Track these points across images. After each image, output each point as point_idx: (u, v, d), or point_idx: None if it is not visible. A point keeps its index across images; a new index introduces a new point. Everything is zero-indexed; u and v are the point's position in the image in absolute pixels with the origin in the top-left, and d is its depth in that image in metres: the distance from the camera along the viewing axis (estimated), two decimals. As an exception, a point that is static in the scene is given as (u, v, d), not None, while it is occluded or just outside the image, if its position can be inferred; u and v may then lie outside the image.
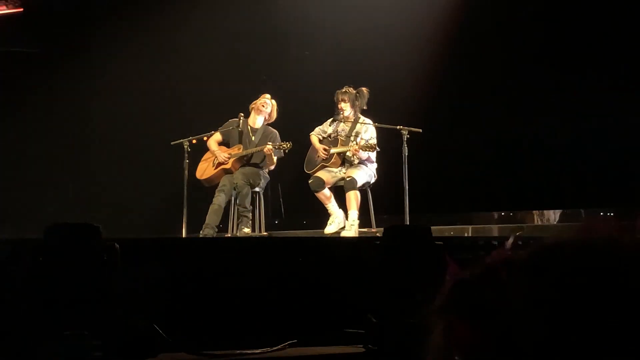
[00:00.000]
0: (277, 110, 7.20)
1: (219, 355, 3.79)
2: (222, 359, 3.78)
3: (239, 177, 6.81)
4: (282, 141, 6.94)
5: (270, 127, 7.16)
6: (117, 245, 3.68)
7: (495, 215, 8.02)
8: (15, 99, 9.29)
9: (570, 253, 0.66)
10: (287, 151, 6.88)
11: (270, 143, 6.81)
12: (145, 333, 3.77)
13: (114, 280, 3.73)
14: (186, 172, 6.86)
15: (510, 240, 0.72)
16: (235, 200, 6.91)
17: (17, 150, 9.23)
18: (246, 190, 6.76)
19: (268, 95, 7.20)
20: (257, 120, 7.12)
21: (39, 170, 9.19)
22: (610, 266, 0.64)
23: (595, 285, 0.63)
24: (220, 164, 6.99)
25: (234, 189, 6.86)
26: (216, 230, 6.80)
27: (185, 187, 6.82)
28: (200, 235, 6.60)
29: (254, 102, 7.18)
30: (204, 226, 6.70)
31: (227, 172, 6.97)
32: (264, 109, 7.10)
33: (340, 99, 6.82)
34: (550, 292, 0.64)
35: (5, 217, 8.65)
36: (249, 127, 7.10)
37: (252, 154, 6.95)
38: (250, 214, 6.83)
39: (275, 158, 6.90)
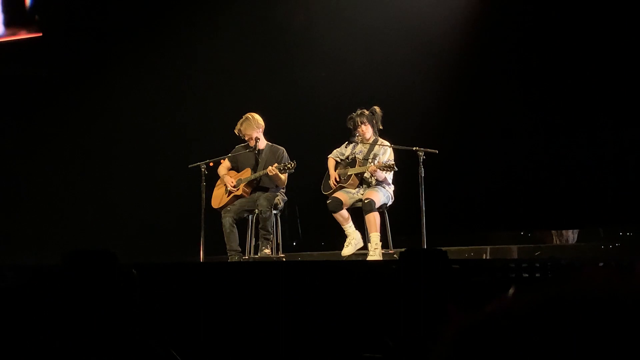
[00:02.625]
0: (255, 119, 6.99)
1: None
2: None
3: (263, 202, 6.80)
4: (289, 159, 6.92)
5: (276, 146, 7.12)
6: (135, 271, 3.69)
7: (514, 235, 7.97)
8: (33, 124, 9.38)
9: (569, 309, 0.66)
10: (293, 170, 6.83)
11: (276, 164, 6.79)
12: (162, 358, 3.77)
13: (131, 306, 3.73)
14: (203, 195, 6.88)
15: (512, 290, 0.72)
16: (255, 222, 6.94)
17: (34, 177, 9.31)
18: (269, 214, 6.76)
19: (241, 130, 7.02)
20: (258, 142, 7.08)
21: (57, 196, 9.26)
22: (610, 325, 0.64)
23: (593, 345, 0.63)
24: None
25: (253, 212, 6.91)
26: (240, 250, 6.83)
27: (203, 210, 6.84)
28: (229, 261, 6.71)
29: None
30: (228, 254, 6.80)
31: (239, 197, 6.98)
32: (252, 140, 7.02)
33: (359, 122, 6.79)
34: (550, 348, 0.64)
35: (24, 244, 8.71)
36: (257, 149, 7.06)
37: (260, 177, 6.94)
38: (272, 236, 6.84)
39: (284, 177, 6.88)
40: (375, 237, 6.50)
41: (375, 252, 6.46)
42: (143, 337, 3.73)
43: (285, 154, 7.05)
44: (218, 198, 7.10)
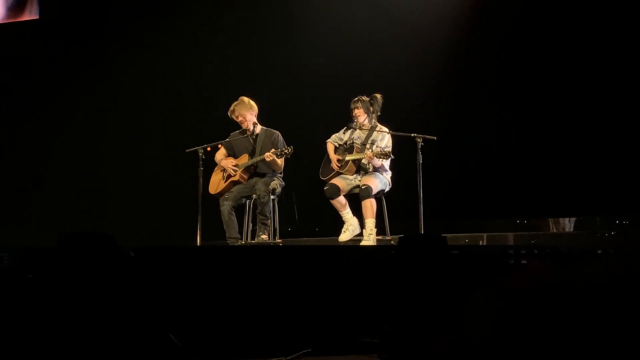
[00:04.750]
0: (250, 102, 7.03)
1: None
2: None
3: (261, 187, 6.79)
4: (285, 144, 6.92)
5: (271, 130, 7.11)
6: (132, 253, 3.69)
7: (510, 222, 7.97)
8: (30, 108, 9.36)
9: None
10: (290, 155, 6.82)
11: (273, 150, 6.79)
12: (159, 341, 3.77)
13: (128, 288, 3.73)
14: (200, 179, 6.86)
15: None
16: (252, 207, 6.93)
17: (33, 160, 9.30)
18: (267, 199, 6.76)
19: (235, 111, 7.02)
20: (255, 127, 7.09)
21: (55, 179, 9.25)
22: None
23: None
24: (230, 176, 7.00)
25: (250, 197, 6.90)
26: (239, 237, 6.83)
27: (200, 195, 6.83)
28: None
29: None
30: (228, 241, 6.79)
31: (236, 183, 6.98)
32: (245, 121, 7.03)
33: (354, 107, 6.84)
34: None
35: (22, 226, 8.71)
36: (254, 134, 7.06)
37: (257, 163, 6.94)
38: (269, 222, 6.83)
39: (280, 161, 6.88)
40: (370, 223, 6.51)
41: (369, 238, 6.47)
42: (140, 317, 3.73)
43: (281, 137, 7.04)
44: (215, 184, 7.10)
